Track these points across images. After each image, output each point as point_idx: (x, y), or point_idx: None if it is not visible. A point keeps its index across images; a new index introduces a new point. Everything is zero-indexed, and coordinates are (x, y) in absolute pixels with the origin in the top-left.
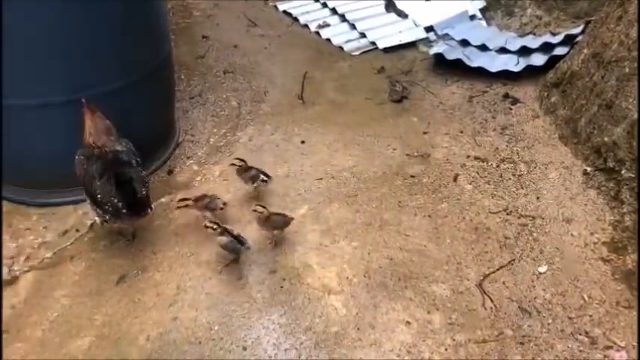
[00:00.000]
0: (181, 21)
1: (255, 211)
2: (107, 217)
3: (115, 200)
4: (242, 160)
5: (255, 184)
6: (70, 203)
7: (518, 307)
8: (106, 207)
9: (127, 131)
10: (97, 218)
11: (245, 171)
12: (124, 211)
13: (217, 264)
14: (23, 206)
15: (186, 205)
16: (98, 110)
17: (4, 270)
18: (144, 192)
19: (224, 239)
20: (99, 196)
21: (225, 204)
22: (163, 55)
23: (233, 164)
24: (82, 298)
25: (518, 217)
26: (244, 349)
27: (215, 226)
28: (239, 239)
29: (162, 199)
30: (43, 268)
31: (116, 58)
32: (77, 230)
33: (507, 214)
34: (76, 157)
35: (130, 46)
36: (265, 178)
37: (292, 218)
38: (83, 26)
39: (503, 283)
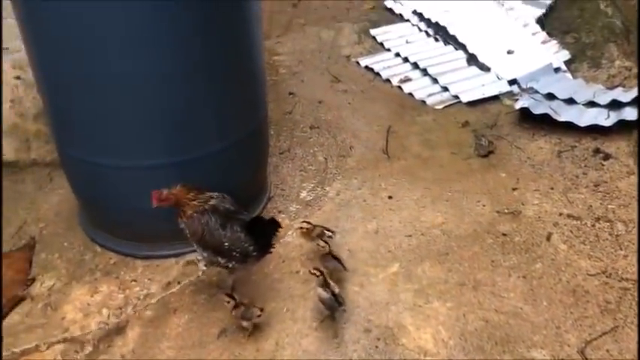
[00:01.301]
0: (269, 79)
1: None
2: (231, 264)
3: (246, 245)
4: (309, 223)
5: (322, 240)
6: (171, 256)
7: None
8: (234, 254)
9: (225, 190)
10: (204, 267)
11: (311, 231)
12: (255, 253)
13: (313, 320)
14: (129, 259)
15: (305, 230)
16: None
17: (114, 320)
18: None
19: (324, 294)
20: (226, 244)
21: (333, 232)
22: (261, 116)
23: (301, 228)
24: (186, 350)
25: (619, 281)
26: None
27: (318, 274)
28: (337, 299)
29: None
30: (148, 320)
31: (216, 122)
32: (178, 282)
33: (607, 276)
34: (189, 217)
35: (233, 109)
36: (330, 234)
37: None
38: (187, 94)
39: (607, 350)
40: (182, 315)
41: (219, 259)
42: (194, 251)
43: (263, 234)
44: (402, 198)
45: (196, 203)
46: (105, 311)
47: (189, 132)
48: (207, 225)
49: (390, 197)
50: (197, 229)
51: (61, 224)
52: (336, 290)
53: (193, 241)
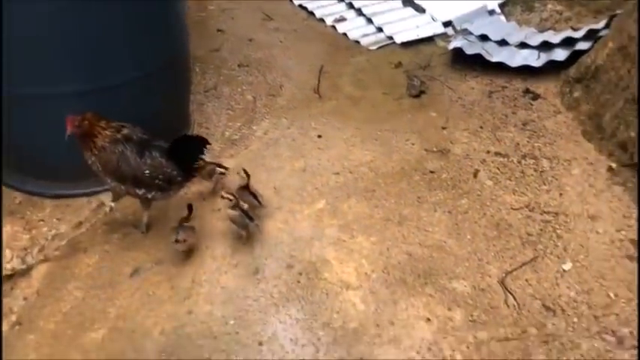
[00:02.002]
0: (195, 14)
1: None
2: (152, 194)
3: (169, 170)
4: (203, 160)
5: (214, 179)
6: (83, 195)
7: (542, 305)
8: (157, 181)
9: (141, 122)
10: (112, 203)
11: (202, 168)
12: (179, 178)
13: (233, 257)
14: (37, 198)
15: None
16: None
17: (17, 261)
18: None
19: (234, 212)
20: (147, 172)
21: (226, 169)
22: (179, 47)
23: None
24: (96, 290)
25: (541, 214)
26: (260, 344)
27: (232, 198)
28: (248, 215)
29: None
30: (56, 260)
31: (131, 50)
32: (90, 222)
33: (530, 210)
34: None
35: (146, 38)
36: (223, 171)
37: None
38: (98, 17)
39: (526, 280)
40: (93, 255)
41: (138, 190)
42: (108, 190)
43: (186, 156)
44: (332, 137)
45: (108, 133)
46: (8, 252)
47: (102, 59)
48: (122, 154)
49: (319, 136)
50: (111, 159)
51: None
52: (245, 207)
53: (107, 174)
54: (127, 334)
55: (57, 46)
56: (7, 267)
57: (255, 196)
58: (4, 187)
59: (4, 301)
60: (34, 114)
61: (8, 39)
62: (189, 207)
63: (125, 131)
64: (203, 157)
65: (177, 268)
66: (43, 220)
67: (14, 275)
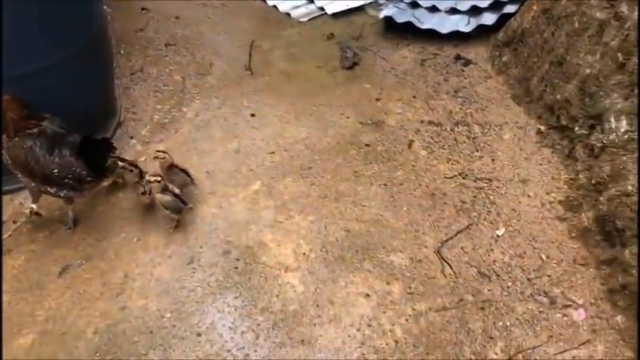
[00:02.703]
0: None
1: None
2: (64, 193)
3: (78, 169)
4: (165, 153)
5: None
6: (6, 193)
7: (478, 271)
8: (66, 180)
9: (62, 112)
10: (33, 205)
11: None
12: (89, 178)
13: (166, 247)
14: None
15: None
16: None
17: None
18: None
19: (166, 197)
20: (55, 171)
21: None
22: (96, 29)
23: (157, 157)
24: (23, 293)
25: (474, 181)
26: (199, 335)
27: (159, 179)
28: (181, 198)
29: (104, 183)
30: None
31: (41, 36)
32: (14, 222)
33: (463, 178)
34: (8, 143)
35: (59, 20)
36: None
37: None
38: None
39: (462, 248)
40: (18, 256)
41: (49, 188)
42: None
43: (96, 156)
44: (266, 115)
45: (21, 124)
46: None
47: (14, 45)
48: (31, 150)
49: (252, 115)
50: (20, 154)
51: None
52: (177, 191)
53: (17, 168)
54: (58, 337)
55: None
56: None
57: (186, 172)
58: None
59: None
60: None
61: None
62: (133, 164)
63: (44, 123)
64: (113, 155)
65: (108, 263)
66: None
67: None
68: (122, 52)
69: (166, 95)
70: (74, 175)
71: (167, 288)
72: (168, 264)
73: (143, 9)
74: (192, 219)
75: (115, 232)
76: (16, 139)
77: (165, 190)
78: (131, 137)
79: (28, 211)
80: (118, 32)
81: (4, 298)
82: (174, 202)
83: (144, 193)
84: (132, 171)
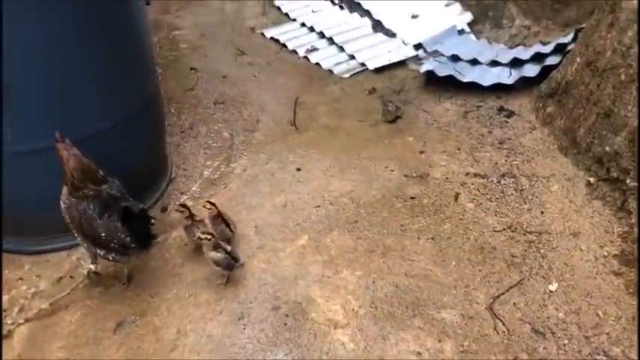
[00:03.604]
0: (168, 54)
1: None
2: (111, 257)
3: (122, 236)
4: (212, 204)
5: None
6: (62, 249)
7: (532, 328)
8: (112, 245)
9: (117, 172)
10: (92, 266)
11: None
12: (132, 245)
13: (217, 303)
14: (15, 255)
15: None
16: (74, 148)
17: None
18: (153, 222)
19: (218, 255)
20: (103, 235)
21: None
22: (150, 92)
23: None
24: (79, 348)
25: (524, 234)
26: None
27: (209, 237)
28: (233, 255)
29: (157, 239)
30: (37, 319)
31: (99, 99)
32: (71, 277)
33: (512, 231)
34: (65, 201)
35: (114, 85)
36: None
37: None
38: (64, 68)
39: (514, 304)
40: (75, 311)
41: (99, 250)
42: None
43: (139, 225)
44: (311, 169)
45: (92, 186)
46: None
47: (71, 112)
48: (84, 212)
49: (298, 169)
50: (75, 216)
51: None
52: (229, 248)
53: (74, 229)
54: None
55: (32, 103)
56: None
57: (227, 224)
58: None
59: None
60: (6, 171)
61: None
62: (184, 206)
63: (103, 186)
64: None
65: (161, 319)
66: (22, 279)
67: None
68: (173, 110)
69: (215, 152)
70: (119, 240)
71: (218, 345)
72: (219, 320)
73: (192, 69)
74: (242, 274)
75: (167, 288)
76: (74, 199)
77: (217, 247)
78: (182, 193)
79: (86, 271)
80: (169, 91)
81: (62, 354)
82: (226, 259)
83: (198, 238)
84: (182, 212)
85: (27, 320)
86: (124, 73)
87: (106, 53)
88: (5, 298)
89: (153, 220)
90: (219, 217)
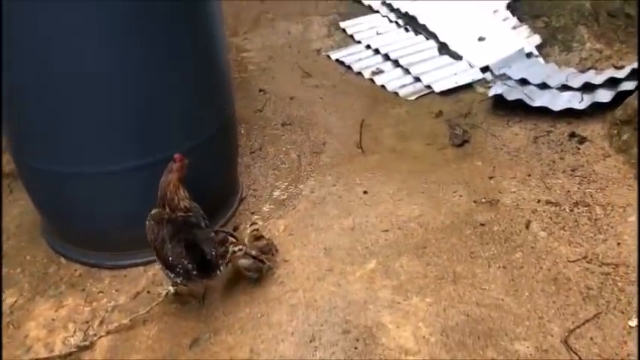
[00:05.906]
0: (237, 75)
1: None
2: (179, 280)
3: (185, 262)
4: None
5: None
6: (139, 265)
7: None
8: (178, 269)
9: (194, 191)
10: (171, 288)
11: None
12: (194, 272)
13: (289, 324)
14: (95, 269)
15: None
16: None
17: (79, 335)
18: (213, 253)
19: (246, 261)
20: (170, 259)
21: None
22: (228, 114)
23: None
24: None
25: (600, 266)
26: None
27: (242, 248)
28: (258, 258)
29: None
30: (117, 332)
31: (182, 121)
32: (148, 292)
33: (587, 262)
34: (147, 222)
35: (197, 107)
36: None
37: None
38: (153, 92)
39: (591, 338)
40: (152, 326)
41: (169, 272)
42: None
43: (201, 255)
44: (378, 192)
45: (182, 207)
46: (71, 326)
47: (153, 133)
48: (158, 235)
49: (365, 192)
50: (151, 238)
51: (23, 237)
52: (253, 253)
53: (152, 250)
54: None
55: (121, 125)
56: (72, 343)
57: (268, 243)
58: (64, 260)
59: None
60: (92, 189)
61: (70, 120)
62: (230, 234)
63: (180, 214)
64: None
65: (235, 337)
66: (102, 292)
67: (78, 349)
68: (243, 131)
69: (284, 173)
70: (183, 266)
71: None
72: (290, 341)
73: (261, 90)
74: (313, 296)
75: (240, 307)
76: (153, 222)
77: (245, 255)
78: (252, 213)
79: (165, 292)
80: (239, 112)
81: None
82: (255, 264)
83: (232, 252)
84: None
85: (108, 333)
86: (206, 96)
87: (192, 77)
88: (87, 309)
89: (213, 252)
90: (262, 238)
